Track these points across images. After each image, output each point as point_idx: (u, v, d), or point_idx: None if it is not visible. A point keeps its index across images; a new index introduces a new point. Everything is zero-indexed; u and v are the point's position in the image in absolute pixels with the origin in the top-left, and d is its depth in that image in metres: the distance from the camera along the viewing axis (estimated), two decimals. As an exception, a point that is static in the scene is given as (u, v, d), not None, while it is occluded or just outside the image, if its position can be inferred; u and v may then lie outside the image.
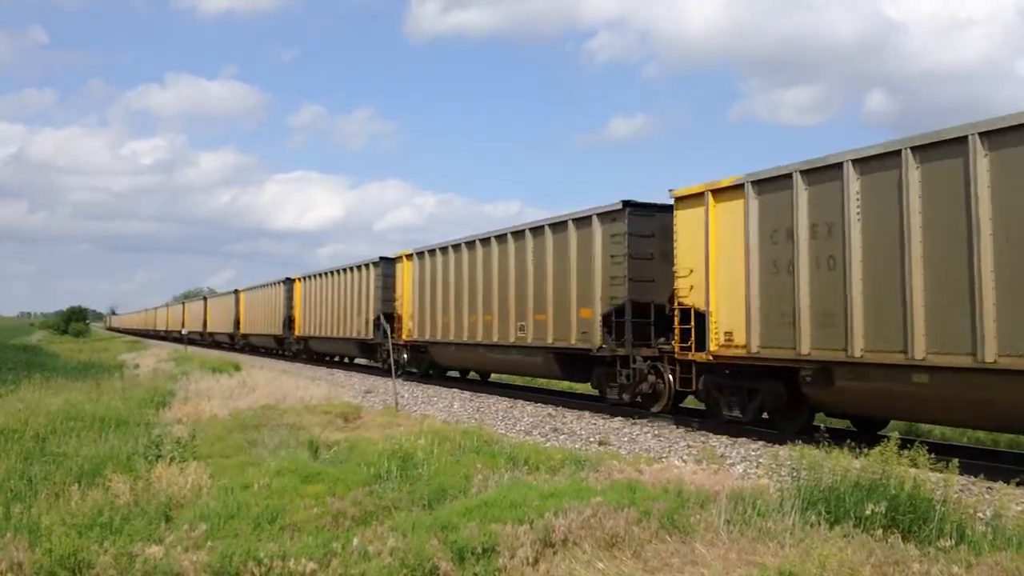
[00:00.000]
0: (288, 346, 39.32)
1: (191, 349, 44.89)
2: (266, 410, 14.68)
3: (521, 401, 18.78)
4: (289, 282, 39.17)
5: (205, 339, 58.70)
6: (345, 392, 21.04)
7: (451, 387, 22.87)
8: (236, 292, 51.29)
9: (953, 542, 5.67)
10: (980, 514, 6.74)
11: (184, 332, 57.83)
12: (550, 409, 17.17)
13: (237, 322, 50.03)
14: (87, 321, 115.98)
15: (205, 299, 65.42)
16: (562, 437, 13.32)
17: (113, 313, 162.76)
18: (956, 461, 6.81)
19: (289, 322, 38.84)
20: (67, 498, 7.49)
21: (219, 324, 55.69)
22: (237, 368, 25.71)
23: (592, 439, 12.97)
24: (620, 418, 15.45)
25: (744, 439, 12.59)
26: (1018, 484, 8.17)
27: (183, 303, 76.52)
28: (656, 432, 13.59)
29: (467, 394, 20.95)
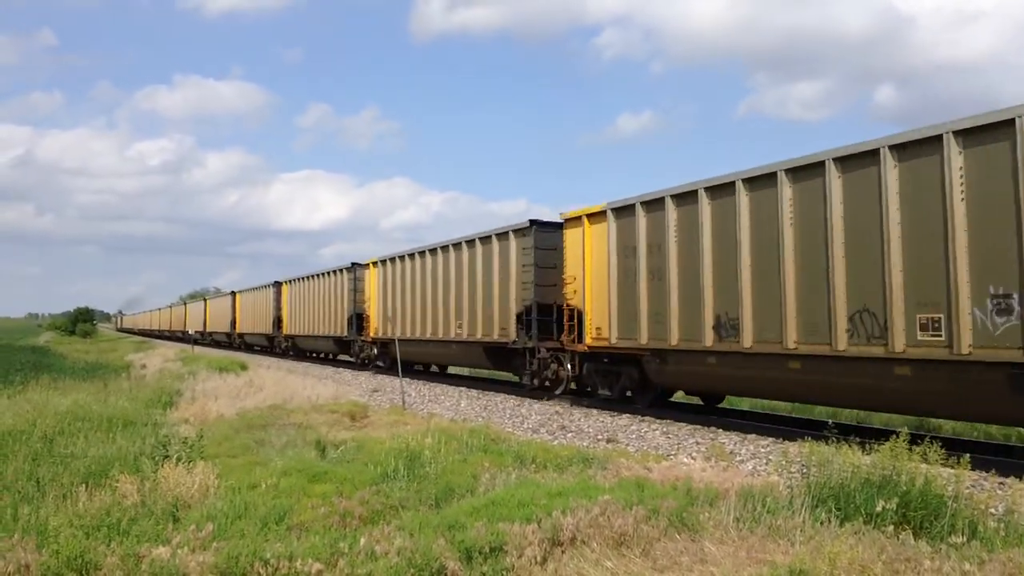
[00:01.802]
0: (278, 344, 42.86)
1: (197, 349, 45.33)
2: (273, 409, 14.68)
3: (528, 400, 18.75)
4: (277, 285, 43.00)
5: (185, 336, 65.24)
6: (352, 391, 21.03)
7: (458, 386, 22.88)
8: (204, 300, 63.09)
9: (965, 538, 5.62)
10: (992, 510, 6.68)
11: (191, 332, 61.70)
12: (557, 407, 17.14)
13: (204, 322, 61.04)
14: (94, 322, 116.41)
15: (185, 304, 76.49)
16: (570, 435, 13.28)
17: (121, 313, 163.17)
18: (967, 456, 6.75)
19: (278, 322, 42.45)
20: (74, 499, 7.46)
21: (192, 324, 65.30)
22: (244, 368, 25.72)
23: (600, 437, 12.94)
24: (628, 415, 15.42)
25: (753, 435, 12.54)
26: (1030, 480, 8.12)
27: (170, 306, 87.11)
28: (664, 429, 13.54)
29: (474, 392, 20.94)
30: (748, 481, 7.70)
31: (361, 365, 30.73)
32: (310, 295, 36.97)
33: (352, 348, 31.39)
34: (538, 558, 5.60)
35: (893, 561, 5.18)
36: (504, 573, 5.51)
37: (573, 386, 18.35)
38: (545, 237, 18.66)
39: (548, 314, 18.28)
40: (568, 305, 17.20)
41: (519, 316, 19.05)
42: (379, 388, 22.33)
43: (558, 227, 17.92)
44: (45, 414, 12.62)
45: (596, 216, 16.44)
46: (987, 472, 8.30)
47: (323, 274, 35.14)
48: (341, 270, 32.47)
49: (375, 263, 29.27)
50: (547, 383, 18.52)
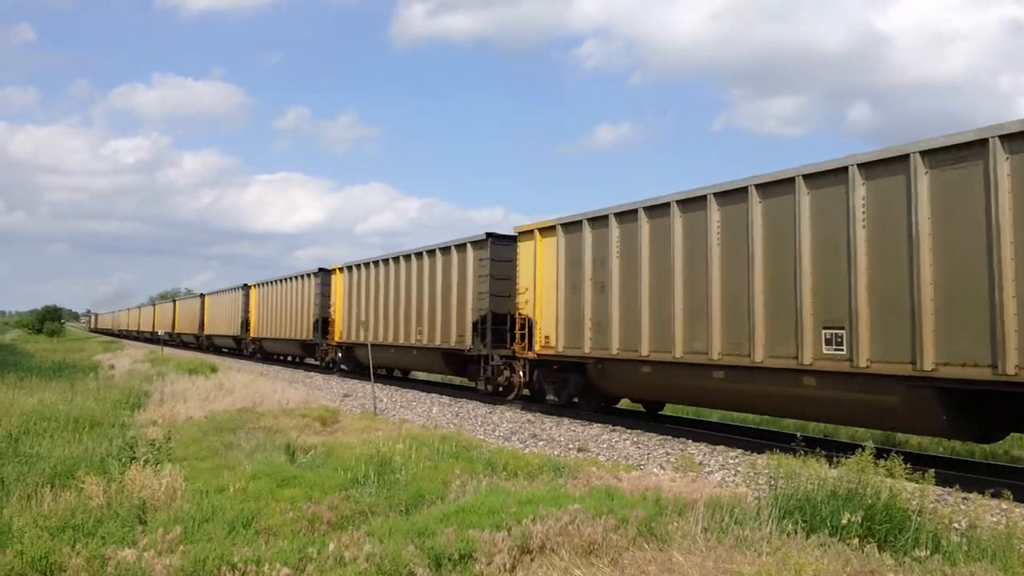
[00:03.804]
0: (244, 346, 43.71)
1: (166, 350, 44.96)
2: (243, 413, 14.56)
3: (500, 407, 18.76)
4: (246, 288, 43.82)
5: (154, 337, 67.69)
6: (323, 396, 20.92)
7: (430, 392, 22.85)
8: (173, 301, 67.16)
9: (928, 552, 5.69)
10: (955, 524, 6.79)
11: (160, 332, 61.25)
12: (529, 415, 17.16)
13: (173, 323, 62.93)
14: (62, 321, 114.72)
15: (155, 304, 79.04)
16: (541, 443, 13.30)
17: (91, 312, 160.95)
18: (932, 471, 6.85)
19: (245, 324, 43.41)
20: (39, 500, 7.37)
21: (161, 325, 67.65)
22: (214, 370, 25.48)
23: (571, 446, 12.97)
24: (599, 425, 15.48)
25: (722, 447, 12.63)
26: (993, 495, 8.24)
27: (140, 306, 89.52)
28: (635, 440, 13.61)
29: (446, 399, 20.90)
30: (716, 492, 7.75)
31: (326, 368, 31.94)
32: (278, 298, 38.25)
33: (317, 351, 32.95)
34: (507, 565, 5.61)
35: (857, 574, 5.25)
36: (473, 580, 5.51)
37: (526, 392, 19.43)
38: (501, 250, 19.86)
39: (502, 323, 19.42)
40: (520, 315, 18.22)
41: (475, 324, 20.27)
42: (350, 393, 22.23)
43: (513, 240, 19.12)
44: (10, 413, 12.44)
45: (547, 231, 17.43)
46: (951, 487, 8.42)
47: (291, 278, 36.48)
48: (309, 275, 33.87)
49: (341, 269, 30.56)
50: (500, 388, 19.71)
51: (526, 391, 19.40)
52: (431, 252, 23.26)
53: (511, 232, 19.35)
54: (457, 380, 24.79)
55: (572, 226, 16.48)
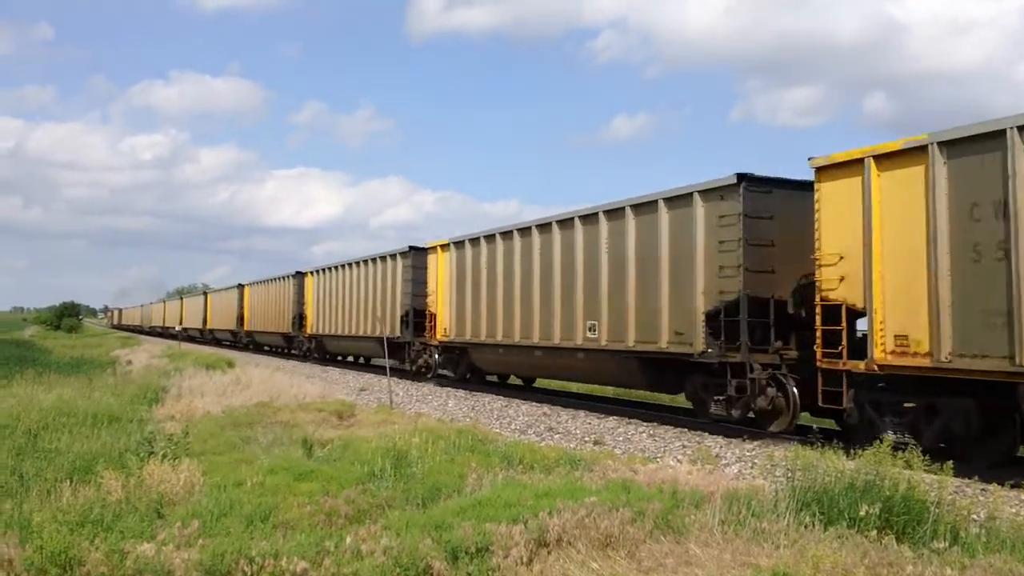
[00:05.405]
0: (298, 345, 37.62)
1: (184, 346, 45.05)
2: (260, 407, 14.64)
3: (516, 400, 18.76)
4: (300, 276, 37.67)
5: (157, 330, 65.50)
6: (339, 390, 20.99)
7: (445, 386, 22.82)
8: (204, 295, 62.30)
9: (947, 544, 5.67)
10: (974, 516, 6.73)
11: (177, 328, 60.24)
12: (545, 408, 17.16)
13: (205, 319, 58.22)
14: (80, 316, 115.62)
15: (182, 298, 75.79)
16: (557, 436, 13.31)
17: (108, 309, 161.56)
18: (950, 463, 6.82)
19: (300, 319, 36.96)
20: (59, 495, 7.43)
21: (189, 321, 63.58)
22: (231, 365, 25.62)
23: (587, 439, 12.97)
24: (615, 418, 15.45)
25: (739, 439, 12.59)
26: (1012, 487, 8.18)
27: (163, 300, 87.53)
28: (651, 432, 13.58)
29: (462, 392, 20.92)
30: (733, 484, 7.73)
31: (415, 375, 25.11)
32: (345, 288, 30.91)
33: (406, 353, 25.40)
34: (524, 559, 5.61)
35: (875, 565, 5.22)
36: (490, 573, 5.52)
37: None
38: (759, 200, 13.03)
39: (762, 313, 12.93)
40: (827, 300, 11.40)
41: (709, 316, 13.39)
42: (366, 387, 22.30)
43: (779, 186, 13.21)
44: (29, 409, 12.56)
45: (887, 159, 10.65)
46: (970, 478, 8.37)
47: (366, 261, 29.09)
48: (395, 255, 26.78)
49: (444, 246, 23.36)
50: (751, 415, 13.31)
51: None
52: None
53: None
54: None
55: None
